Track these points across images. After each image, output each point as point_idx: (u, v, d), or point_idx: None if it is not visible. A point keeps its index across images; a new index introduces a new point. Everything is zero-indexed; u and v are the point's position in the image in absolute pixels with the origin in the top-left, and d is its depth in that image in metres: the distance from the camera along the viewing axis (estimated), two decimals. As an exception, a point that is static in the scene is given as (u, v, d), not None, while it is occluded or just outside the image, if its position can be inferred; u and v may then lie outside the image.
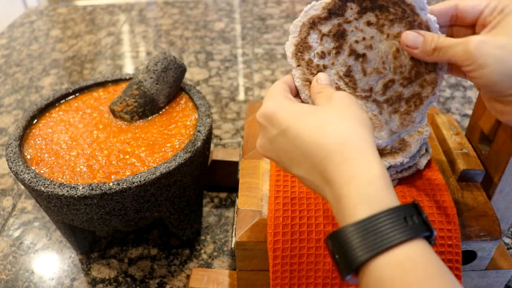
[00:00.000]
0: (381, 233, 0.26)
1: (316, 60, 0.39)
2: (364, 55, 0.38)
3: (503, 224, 0.49)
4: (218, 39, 1.19)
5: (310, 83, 0.38)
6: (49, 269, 0.58)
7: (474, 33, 0.36)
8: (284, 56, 1.09)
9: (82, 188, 0.45)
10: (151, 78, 0.56)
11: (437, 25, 0.35)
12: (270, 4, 1.41)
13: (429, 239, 0.27)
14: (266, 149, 0.35)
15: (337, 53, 0.38)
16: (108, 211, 0.47)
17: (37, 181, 0.46)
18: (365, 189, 0.28)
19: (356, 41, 0.38)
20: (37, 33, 1.27)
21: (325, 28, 0.38)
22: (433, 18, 0.35)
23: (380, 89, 0.38)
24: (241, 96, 0.94)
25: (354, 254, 0.26)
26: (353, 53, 0.38)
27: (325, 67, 0.39)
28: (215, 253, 0.60)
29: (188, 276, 0.56)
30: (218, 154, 0.66)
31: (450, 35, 0.37)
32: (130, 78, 0.64)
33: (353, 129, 0.31)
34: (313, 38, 0.39)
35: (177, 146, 0.52)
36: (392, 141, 0.38)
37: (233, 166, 0.65)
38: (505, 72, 0.31)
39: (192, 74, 1.02)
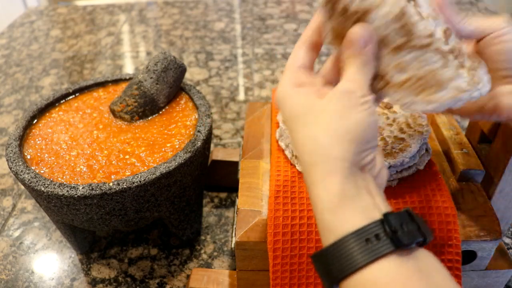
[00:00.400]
0: (342, 260, 0.26)
1: (354, 6, 0.31)
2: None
3: (503, 224, 0.49)
4: (218, 39, 1.19)
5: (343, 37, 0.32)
6: (49, 269, 0.58)
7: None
8: (284, 56, 1.09)
9: (82, 188, 0.45)
10: (151, 78, 0.56)
11: None
12: (270, 4, 1.41)
13: (424, 244, 0.27)
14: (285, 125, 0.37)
15: None
16: (108, 211, 0.47)
17: (37, 181, 0.46)
18: (324, 217, 0.28)
19: None
20: (37, 33, 1.27)
21: None
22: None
23: (442, 36, 0.31)
24: (241, 96, 0.94)
25: (329, 276, 0.27)
26: None
27: (367, 12, 0.30)
28: (215, 253, 0.60)
29: (188, 276, 0.56)
30: (218, 154, 0.66)
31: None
32: (130, 78, 0.64)
33: (328, 148, 0.29)
34: None
35: (177, 146, 0.52)
36: (456, 104, 0.31)
37: (233, 166, 0.65)
38: None
39: (192, 74, 1.02)
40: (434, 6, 0.32)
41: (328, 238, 0.28)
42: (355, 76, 0.31)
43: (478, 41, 0.34)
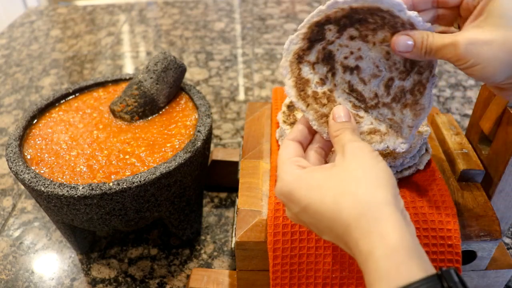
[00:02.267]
0: None
1: (320, 90, 0.39)
2: (357, 67, 0.38)
3: (503, 224, 0.49)
4: (218, 39, 1.19)
5: (327, 117, 0.38)
6: (49, 269, 0.58)
7: (459, 15, 0.37)
8: (284, 56, 1.09)
9: (82, 188, 0.45)
10: (151, 78, 0.56)
11: (421, 19, 0.34)
12: (270, 4, 1.41)
13: None
14: (295, 220, 0.35)
15: (333, 74, 0.39)
16: (108, 211, 0.47)
17: (37, 181, 0.46)
18: (382, 265, 0.27)
19: (345, 57, 0.38)
20: (37, 33, 1.27)
21: (312, 57, 0.38)
22: (414, 14, 0.34)
23: (384, 91, 0.38)
24: (241, 96, 0.94)
25: None
26: (346, 69, 0.38)
27: (331, 91, 0.39)
28: (215, 253, 0.60)
29: (188, 276, 0.56)
30: (218, 154, 0.66)
31: (436, 18, 0.38)
32: (130, 78, 0.64)
33: (369, 196, 0.29)
34: (306, 71, 0.39)
35: (177, 146, 0.52)
36: (413, 137, 0.38)
37: (233, 166, 0.65)
38: (497, 67, 0.32)
39: (192, 74, 1.02)
40: (379, 61, 0.37)
41: (384, 286, 0.26)
42: (353, 137, 0.34)
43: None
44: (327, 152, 0.39)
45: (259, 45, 1.15)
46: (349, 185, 0.30)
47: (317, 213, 0.31)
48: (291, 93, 0.39)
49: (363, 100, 0.38)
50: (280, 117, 0.52)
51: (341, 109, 0.36)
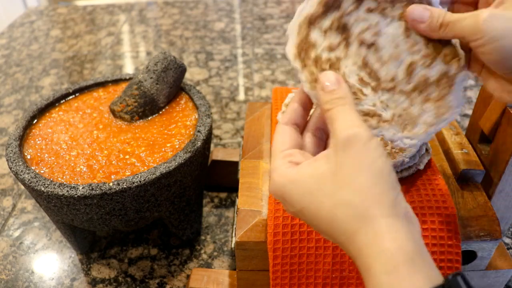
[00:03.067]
0: None
1: (325, 55, 0.33)
2: (374, 44, 0.34)
3: (503, 224, 0.49)
4: (218, 39, 1.19)
5: None
6: (49, 269, 0.58)
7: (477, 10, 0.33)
8: (284, 56, 1.09)
9: (82, 188, 0.45)
10: (151, 78, 0.56)
11: (438, 0, 0.33)
12: (270, 4, 1.41)
13: None
14: (292, 214, 0.33)
15: (347, 44, 0.34)
16: (108, 211, 0.47)
17: (37, 181, 0.46)
18: (383, 281, 0.25)
19: (362, 31, 0.34)
20: (37, 33, 1.27)
21: (325, 24, 0.34)
22: (418, 5, 0.33)
23: (404, 76, 0.33)
24: (241, 96, 0.94)
25: None
26: (363, 43, 0.34)
27: (338, 59, 0.33)
28: (215, 253, 0.60)
29: (188, 276, 0.56)
30: (218, 154, 0.66)
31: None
32: (130, 78, 0.64)
33: (365, 208, 0.27)
34: (316, 35, 0.34)
35: (177, 146, 0.52)
36: (429, 137, 0.33)
37: (233, 166, 0.65)
38: None
39: (192, 74, 1.02)
40: (399, 39, 0.33)
41: None
42: (349, 118, 0.29)
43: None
44: (327, 133, 0.34)
45: (259, 45, 1.15)
46: (343, 193, 0.28)
47: (314, 219, 0.29)
48: (290, 52, 0.34)
49: (377, 79, 0.34)
50: (280, 117, 0.52)
51: (329, 75, 0.32)
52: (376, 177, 0.28)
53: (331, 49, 0.34)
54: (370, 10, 0.34)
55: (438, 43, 0.33)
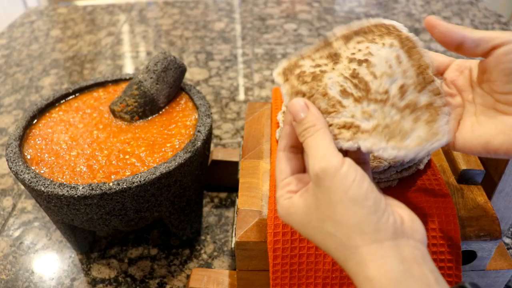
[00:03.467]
0: None
1: (310, 70, 0.34)
2: (366, 60, 0.33)
3: (503, 224, 0.49)
4: (218, 39, 1.19)
5: (303, 95, 0.33)
6: (49, 269, 0.58)
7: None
8: (284, 56, 1.09)
9: (82, 188, 0.45)
10: (151, 78, 0.56)
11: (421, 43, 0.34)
12: (270, 4, 1.41)
13: None
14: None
15: (335, 63, 0.34)
16: (108, 211, 0.47)
17: (37, 181, 0.46)
18: None
19: (353, 54, 0.34)
20: (37, 33, 1.27)
21: (316, 55, 0.35)
22: (414, 36, 0.34)
23: (398, 93, 0.33)
24: (241, 96, 0.94)
25: None
26: (353, 60, 0.34)
27: (323, 72, 0.33)
28: (215, 253, 0.60)
29: (188, 276, 0.56)
30: (218, 154, 0.66)
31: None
32: (130, 78, 0.64)
33: (348, 240, 0.28)
34: (305, 62, 0.35)
35: (177, 146, 0.52)
36: (423, 152, 0.31)
37: (233, 166, 0.65)
38: None
39: (192, 74, 1.02)
40: (391, 61, 0.33)
41: None
42: (319, 149, 0.30)
43: (486, 55, 0.31)
44: None
45: (259, 45, 1.15)
46: (327, 226, 0.29)
47: (313, 241, 0.31)
48: (275, 72, 0.35)
49: (366, 90, 0.33)
50: (280, 117, 0.52)
51: (296, 102, 0.32)
52: (352, 207, 0.28)
53: (318, 66, 0.34)
54: (359, 42, 0.35)
55: (427, 73, 0.33)
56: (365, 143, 0.31)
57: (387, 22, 0.35)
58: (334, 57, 0.34)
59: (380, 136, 0.31)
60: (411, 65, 0.33)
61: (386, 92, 0.33)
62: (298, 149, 0.34)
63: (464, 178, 0.47)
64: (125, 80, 0.64)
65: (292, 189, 0.32)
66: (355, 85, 0.33)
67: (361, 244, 0.27)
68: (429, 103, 0.33)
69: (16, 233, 0.64)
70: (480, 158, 0.48)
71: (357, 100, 0.32)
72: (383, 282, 0.26)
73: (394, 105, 0.32)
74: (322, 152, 0.29)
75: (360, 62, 0.33)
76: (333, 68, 0.34)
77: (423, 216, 0.41)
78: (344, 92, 0.33)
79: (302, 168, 0.34)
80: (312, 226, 0.30)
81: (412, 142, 0.31)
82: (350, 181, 0.28)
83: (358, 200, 0.28)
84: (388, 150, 0.31)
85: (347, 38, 0.35)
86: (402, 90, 0.33)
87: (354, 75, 0.33)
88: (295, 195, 0.32)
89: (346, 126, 0.32)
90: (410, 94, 0.33)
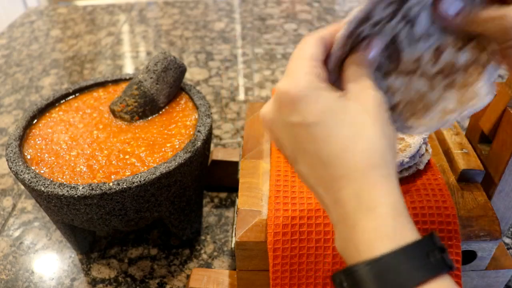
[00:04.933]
0: (404, 271, 0.23)
1: (366, 31, 0.30)
2: (411, 22, 0.31)
3: (503, 224, 0.49)
4: (218, 39, 1.19)
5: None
6: (49, 269, 0.58)
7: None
8: (284, 56, 1.09)
9: (82, 188, 0.45)
10: (151, 78, 0.56)
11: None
12: (270, 4, 1.41)
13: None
14: (274, 125, 0.30)
15: (390, 19, 0.30)
16: (108, 211, 0.47)
17: (37, 181, 0.46)
18: (385, 222, 0.25)
19: (410, 8, 0.30)
20: (37, 33, 1.27)
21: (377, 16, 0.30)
22: None
23: (430, 58, 0.31)
24: (241, 96, 0.94)
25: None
26: (405, 18, 0.30)
27: (365, 37, 0.31)
28: (215, 253, 0.60)
29: (188, 276, 0.56)
30: (218, 154, 0.66)
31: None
32: (130, 78, 0.64)
33: (385, 152, 0.27)
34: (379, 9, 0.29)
35: (177, 146, 0.52)
36: (447, 124, 0.30)
37: (233, 166, 0.65)
38: None
39: (192, 74, 1.02)
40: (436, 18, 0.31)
41: (387, 244, 0.24)
42: (363, 78, 0.29)
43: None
44: None
45: (259, 45, 1.15)
46: (367, 129, 0.27)
47: (323, 140, 0.27)
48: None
49: (395, 61, 0.31)
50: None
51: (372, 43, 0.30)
52: (392, 140, 0.28)
53: (375, 24, 0.30)
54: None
55: (470, 34, 0.31)
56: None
57: None
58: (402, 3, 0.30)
59: (400, 114, 0.31)
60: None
61: (418, 59, 0.31)
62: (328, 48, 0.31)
63: (464, 178, 0.47)
64: (125, 80, 0.64)
65: (322, 77, 0.29)
66: (389, 56, 0.31)
67: (393, 162, 0.27)
68: (472, 61, 0.30)
69: (16, 233, 0.64)
70: (480, 158, 0.48)
71: (387, 73, 0.32)
72: (402, 207, 0.26)
73: (423, 74, 0.31)
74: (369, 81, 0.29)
75: (407, 23, 0.30)
76: (380, 32, 0.30)
77: (423, 216, 0.41)
78: (378, 67, 0.31)
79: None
80: (346, 118, 0.27)
81: (435, 116, 0.30)
82: (385, 113, 0.28)
83: (386, 130, 0.27)
84: (405, 129, 0.31)
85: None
86: (438, 52, 0.31)
87: (393, 42, 0.31)
88: (327, 87, 0.28)
89: None
90: (447, 55, 0.31)
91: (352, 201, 0.26)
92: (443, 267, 0.24)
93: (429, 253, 0.24)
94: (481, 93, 0.30)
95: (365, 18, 0.29)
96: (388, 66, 0.31)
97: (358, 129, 0.27)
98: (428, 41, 0.31)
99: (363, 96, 0.28)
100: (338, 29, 0.30)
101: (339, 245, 0.27)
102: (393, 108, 0.31)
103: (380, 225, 0.25)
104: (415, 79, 0.31)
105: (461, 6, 0.29)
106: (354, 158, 0.26)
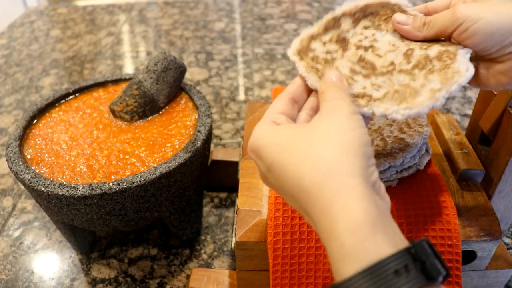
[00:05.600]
0: None
1: (322, 55, 0.37)
2: (372, 46, 0.37)
3: (503, 224, 0.49)
4: (218, 39, 1.19)
5: (317, 70, 0.36)
6: (49, 269, 0.58)
7: None
8: (284, 56, 1.09)
9: (82, 188, 0.45)
10: (151, 78, 0.56)
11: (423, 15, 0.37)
12: (270, 4, 1.41)
13: (444, 278, 0.23)
14: (264, 180, 0.33)
15: (344, 50, 0.37)
16: (108, 211, 0.47)
17: (37, 181, 0.46)
18: (346, 241, 0.24)
19: (360, 41, 0.37)
20: (37, 33, 1.27)
21: (325, 38, 0.38)
22: (420, 14, 0.37)
23: (403, 59, 0.35)
24: (241, 96, 0.94)
25: None
26: (360, 47, 0.37)
27: (333, 59, 0.37)
28: (215, 253, 0.60)
29: (188, 276, 0.56)
30: (218, 154, 0.66)
31: None
32: (130, 78, 0.64)
33: (334, 164, 0.27)
34: (316, 45, 0.38)
35: (177, 146, 0.52)
36: (438, 102, 0.32)
37: (233, 166, 0.65)
38: (500, 20, 0.32)
39: (192, 74, 1.02)
40: (395, 41, 0.37)
41: (349, 266, 0.23)
42: (337, 95, 0.31)
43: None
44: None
45: (259, 45, 1.15)
46: (316, 148, 0.28)
47: (280, 176, 0.29)
48: (290, 51, 0.38)
49: (372, 68, 0.36)
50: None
51: (334, 72, 0.34)
52: (351, 143, 0.28)
53: (328, 52, 0.37)
54: (366, 27, 0.38)
55: (431, 41, 0.36)
56: (378, 109, 0.33)
57: (393, 1, 0.38)
58: (343, 43, 0.38)
59: (391, 101, 0.33)
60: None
61: (392, 63, 0.35)
62: (299, 104, 0.35)
63: (464, 178, 0.47)
64: (125, 80, 0.64)
65: (278, 122, 0.32)
66: (363, 66, 0.36)
67: (347, 173, 0.26)
68: (442, 51, 0.34)
69: (16, 233, 0.64)
70: (480, 158, 0.48)
71: (366, 76, 0.35)
72: (363, 218, 0.24)
73: (401, 70, 0.35)
74: (343, 96, 0.31)
75: (366, 49, 0.37)
76: (343, 56, 0.37)
77: (423, 216, 0.41)
78: (353, 71, 0.36)
79: (293, 117, 0.34)
80: (294, 148, 0.29)
81: (424, 97, 0.33)
82: (360, 125, 0.29)
83: (361, 140, 0.28)
84: (400, 111, 0.32)
85: (355, 20, 0.38)
86: (408, 54, 0.35)
87: (362, 59, 0.36)
88: (282, 124, 0.32)
89: (359, 96, 0.34)
90: (418, 53, 0.35)
91: (318, 225, 0.26)
92: (417, 281, 0.23)
93: (400, 270, 0.23)
94: (461, 70, 0.33)
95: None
96: (366, 71, 0.36)
97: (303, 153, 0.28)
98: (394, 52, 0.36)
99: (322, 115, 0.31)
100: (299, 86, 0.35)
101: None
102: (381, 98, 0.34)
103: (339, 246, 0.24)
104: (395, 75, 0.35)
105: (411, 18, 0.36)
106: (304, 184, 0.27)
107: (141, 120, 0.57)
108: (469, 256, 0.44)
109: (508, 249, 0.59)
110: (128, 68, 1.08)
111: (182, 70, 0.58)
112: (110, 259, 0.59)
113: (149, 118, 0.57)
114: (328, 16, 0.39)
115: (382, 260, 0.23)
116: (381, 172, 0.43)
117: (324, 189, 0.26)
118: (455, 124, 0.53)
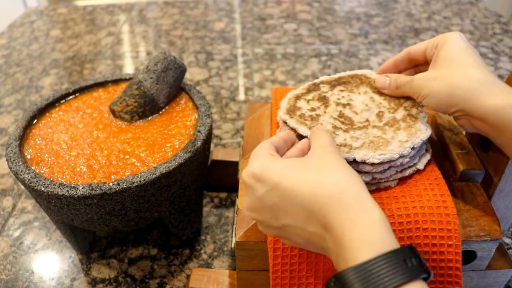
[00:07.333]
0: (383, 275, 0.28)
1: (308, 113, 0.46)
2: (349, 104, 0.47)
3: (503, 224, 0.49)
4: (218, 39, 1.19)
5: (306, 124, 0.44)
6: (49, 269, 0.58)
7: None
8: (284, 56, 1.09)
9: (82, 188, 0.45)
10: (151, 78, 0.56)
11: (387, 78, 0.48)
12: (270, 4, 1.41)
13: (426, 280, 0.29)
14: (254, 208, 0.36)
15: (326, 106, 0.47)
16: (108, 211, 0.47)
17: (37, 181, 0.46)
18: (367, 233, 0.30)
19: (338, 99, 0.48)
20: (37, 33, 1.27)
21: (308, 96, 0.49)
22: (381, 76, 0.48)
23: (376, 118, 0.45)
24: (241, 96, 0.94)
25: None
26: (339, 104, 0.47)
27: (318, 115, 0.46)
28: (215, 253, 0.60)
29: (188, 276, 0.56)
30: (218, 154, 0.66)
31: (418, 72, 0.47)
32: (130, 78, 0.64)
33: (348, 178, 0.33)
34: (301, 103, 0.48)
35: (177, 146, 0.52)
36: (405, 150, 0.42)
37: (233, 166, 0.65)
38: (441, 97, 0.40)
39: (192, 74, 1.02)
40: (367, 102, 0.48)
41: (370, 251, 0.29)
42: (324, 138, 0.37)
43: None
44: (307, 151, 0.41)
45: (259, 45, 1.15)
46: (329, 170, 0.33)
47: (291, 190, 0.33)
48: (281, 112, 0.47)
49: (350, 123, 0.45)
50: (280, 114, 0.52)
51: (323, 126, 0.41)
52: (351, 172, 0.34)
53: (313, 110, 0.47)
54: (341, 91, 0.50)
55: (399, 100, 0.47)
56: (358, 155, 0.41)
57: (360, 72, 0.52)
58: (324, 100, 0.48)
59: (367, 149, 0.41)
60: (383, 98, 0.48)
61: (367, 120, 0.45)
62: (280, 153, 0.39)
63: (464, 178, 0.47)
64: (125, 80, 0.64)
65: (275, 155, 0.36)
66: (342, 122, 0.45)
67: (359, 183, 0.33)
68: (406, 115, 0.45)
69: (16, 233, 0.64)
70: (480, 158, 0.48)
71: (345, 131, 0.44)
72: (380, 218, 0.31)
73: (375, 126, 0.44)
74: (331, 138, 0.38)
75: (344, 106, 0.47)
76: (325, 112, 0.46)
77: (423, 216, 0.41)
78: (335, 127, 0.44)
79: (284, 153, 0.40)
80: (306, 169, 0.34)
81: (394, 146, 0.42)
82: (339, 157, 0.36)
83: (343, 164, 0.35)
84: (376, 156, 0.41)
85: (332, 86, 0.50)
86: (379, 115, 0.46)
87: (341, 115, 0.46)
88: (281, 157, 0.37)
89: (342, 145, 0.42)
90: (387, 115, 0.45)
91: (337, 222, 0.31)
92: (420, 272, 0.28)
93: (406, 260, 0.29)
94: (421, 129, 0.43)
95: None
96: (345, 126, 0.44)
97: (317, 172, 0.33)
98: (369, 112, 0.46)
99: (318, 143, 0.37)
100: (286, 134, 0.41)
101: (334, 262, 0.32)
102: (359, 147, 0.42)
103: (362, 237, 0.30)
104: (370, 129, 0.44)
105: (387, 80, 0.47)
106: (324, 191, 0.32)
107: (141, 120, 0.57)
108: (469, 256, 0.44)
109: (508, 249, 0.59)
110: (128, 68, 1.08)
111: (182, 70, 0.58)
112: (110, 259, 0.59)
113: (149, 118, 0.57)
114: (308, 83, 0.51)
115: (395, 250, 0.29)
116: (381, 172, 0.43)
117: (346, 193, 0.32)
118: (455, 124, 0.53)
